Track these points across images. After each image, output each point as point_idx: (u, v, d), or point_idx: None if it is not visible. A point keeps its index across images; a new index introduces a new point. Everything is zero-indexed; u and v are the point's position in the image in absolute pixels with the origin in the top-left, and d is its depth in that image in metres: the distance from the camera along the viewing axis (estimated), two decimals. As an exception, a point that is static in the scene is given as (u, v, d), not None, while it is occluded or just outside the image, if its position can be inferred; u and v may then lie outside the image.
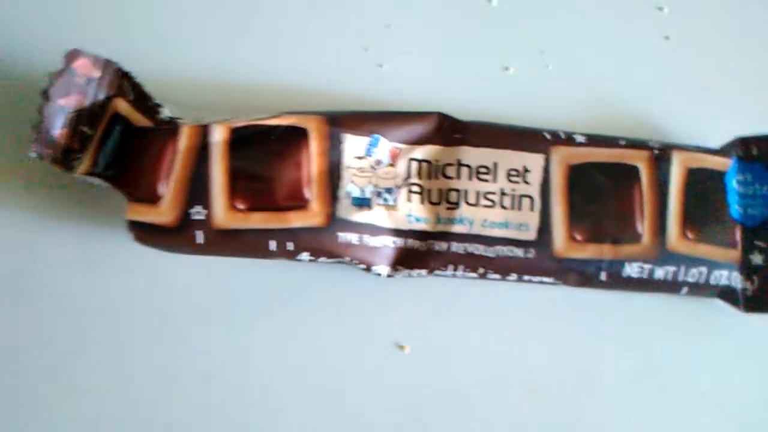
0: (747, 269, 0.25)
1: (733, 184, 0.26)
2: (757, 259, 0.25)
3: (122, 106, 0.23)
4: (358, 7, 0.27)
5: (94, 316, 0.23)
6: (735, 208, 0.26)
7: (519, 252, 0.24)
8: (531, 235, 0.24)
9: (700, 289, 0.25)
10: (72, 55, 0.22)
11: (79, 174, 0.22)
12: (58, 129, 0.22)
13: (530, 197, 0.25)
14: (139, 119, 0.23)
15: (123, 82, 0.23)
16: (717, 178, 0.25)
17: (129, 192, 0.22)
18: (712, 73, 0.27)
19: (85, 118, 0.22)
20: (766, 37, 0.28)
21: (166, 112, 0.23)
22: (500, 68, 0.27)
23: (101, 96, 0.23)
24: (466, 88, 0.27)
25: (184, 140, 0.22)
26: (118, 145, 0.23)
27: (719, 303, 0.25)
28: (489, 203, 0.24)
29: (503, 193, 0.25)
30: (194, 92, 0.25)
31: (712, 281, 0.25)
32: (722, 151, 0.26)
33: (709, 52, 0.28)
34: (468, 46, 0.27)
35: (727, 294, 0.25)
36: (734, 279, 0.25)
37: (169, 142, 0.22)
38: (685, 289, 0.25)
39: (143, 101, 0.23)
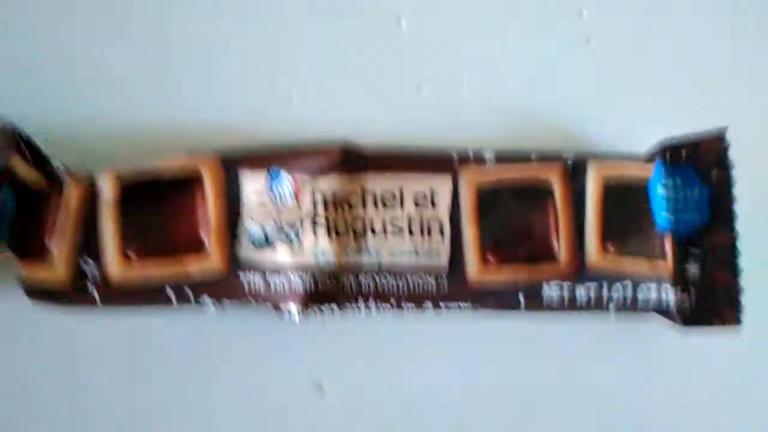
0: (682, 280, 0.24)
1: (659, 191, 0.24)
2: (692, 268, 0.24)
3: (19, 166, 0.23)
4: (263, 38, 0.26)
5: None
6: (663, 216, 0.24)
7: (431, 280, 0.23)
8: (442, 261, 0.23)
9: (627, 305, 0.23)
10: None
11: (-22, 236, 0.22)
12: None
13: (439, 222, 0.24)
14: (35, 178, 0.23)
15: (19, 143, 0.23)
16: (638, 186, 0.24)
17: (20, 251, 0.22)
18: (636, 77, 0.26)
19: (-19, 179, 0.23)
20: (689, 39, 0.26)
21: (61, 168, 0.23)
22: (413, 89, 0.26)
23: (-2, 158, 0.23)
24: (379, 111, 0.26)
25: (71, 195, 0.22)
26: (14, 207, 0.23)
27: (654, 318, 0.24)
28: (396, 231, 0.24)
29: (411, 220, 0.24)
30: (93, 140, 0.24)
31: (641, 296, 0.23)
32: (644, 158, 0.24)
33: (631, 55, 0.26)
34: (379, 69, 0.26)
35: (660, 308, 0.24)
36: (666, 292, 0.24)
37: (57, 198, 0.22)
38: (611, 306, 0.24)
39: (39, 159, 0.23)
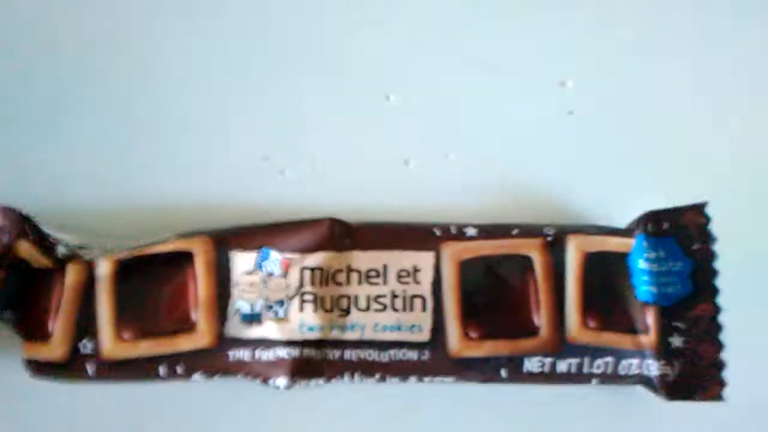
0: (666, 354, 0.24)
1: (640, 264, 0.24)
2: (676, 341, 0.24)
3: (24, 247, 0.24)
4: (256, 117, 0.28)
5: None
6: (644, 290, 0.24)
7: (413, 355, 0.24)
8: (425, 336, 0.24)
9: (610, 379, 0.24)
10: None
11: (-14, 315, 0.24)
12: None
13: (422, 297, 0.24)
14: (39, 258, 0.24)
15: (25, 226, 0.25)
16: (618, 260, 0.24)
17: (23, 332, 0.24)
18: (617, 151, 0.26)
19: (-9, 261, 0.24)
20: (671, 110, 0.26)
21: (62, 250, 0.25)
22: (400, 162, 0.27)
23: (5, 240, 0.24)
24: (367, 186, 0.27)
25: (71, 277, 0.24)
26: (18, 287, 0.24)
27: (639, 390, 0.24)
28: (380, 307, 0.24)
29: (394, 296, 0.24)
30: (95, 218, 0.26)
31: (622, 371, 0.23)
32: (624, 231, 0.25)
33: (614, 126, 0.27)
34: (368, 144, 0.27)
35: (643, 382, 0.24)
36: (648, 366, 0.24)
37: (58, 281, 0.24)
38: (594, 381, 0.24)
39: (42, 240, 0.25)
